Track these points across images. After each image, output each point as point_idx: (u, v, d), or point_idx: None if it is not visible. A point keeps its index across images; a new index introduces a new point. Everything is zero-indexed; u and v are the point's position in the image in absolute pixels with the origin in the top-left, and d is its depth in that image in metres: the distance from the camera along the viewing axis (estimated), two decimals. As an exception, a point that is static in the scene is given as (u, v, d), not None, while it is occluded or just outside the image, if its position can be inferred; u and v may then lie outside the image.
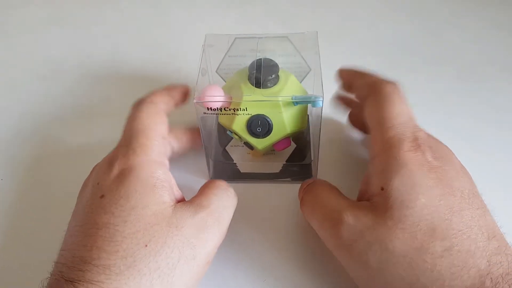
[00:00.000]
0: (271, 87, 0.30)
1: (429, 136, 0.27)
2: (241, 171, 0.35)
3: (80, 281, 0.22)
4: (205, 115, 0.30)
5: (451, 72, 0.45)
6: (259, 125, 0.30)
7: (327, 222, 0.26)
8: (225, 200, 0.28)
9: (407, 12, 0.53)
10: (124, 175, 0.26)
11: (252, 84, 0.30)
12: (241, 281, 0.29)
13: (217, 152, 0.35)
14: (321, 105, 0.29)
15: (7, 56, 0.48)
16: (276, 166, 0.35)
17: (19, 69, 0.46)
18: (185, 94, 0.34)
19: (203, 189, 0.28)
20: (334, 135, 0.38)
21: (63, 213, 0.27)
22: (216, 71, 0.34)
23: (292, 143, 0.34)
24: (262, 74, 0.30)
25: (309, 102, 0.29)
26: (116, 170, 0.26)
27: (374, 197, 0.25)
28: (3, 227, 0.33)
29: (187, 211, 0.26)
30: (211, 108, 0.29)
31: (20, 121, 0.41)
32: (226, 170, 0.35)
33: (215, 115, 0.33)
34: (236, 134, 0.32)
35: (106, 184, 0.26)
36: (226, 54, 0.33)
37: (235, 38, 0.33)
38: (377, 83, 0.30)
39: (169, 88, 0.33)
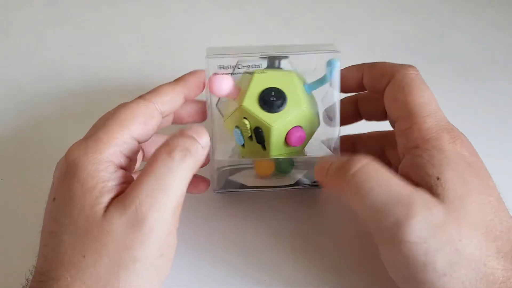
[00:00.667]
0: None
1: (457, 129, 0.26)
2: (249, 185, 0.32)
3: None
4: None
5: (451, 72, 0.45)
6: (273, 96, 0.28)
7: (389, 212, 0.22)
8: (162, 176, 0.23)
9: (407, 12, 0.53)
10: (69, 174, 0.24)
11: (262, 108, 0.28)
12: (241, 281, 0.29)
13: (220, 181, 0.32)
14: (338, 64, 0.28)
15: (7, 56, 0.48)
16: (287, 180, 0.32)
17: (19, 69, 0.46)
18: (197, 85, 0.30)
19: (140, 173, 0.24)
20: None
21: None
22: (217, 106, 0.31)
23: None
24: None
25: (324, 80, 0.28)
26: (65, 166, 0.24)
27: (432, 187, 0.23)
28: (3, 227, 0.33)
29: (116, 210, 0.22)
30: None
31: (20, 121, 0.41)
32: (233, 183, 0.32)
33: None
34: (245, 118, 0.29)
35: (56, 184, 0.24)
36: (232, 73, 0.30)
37: (237, 61, 0.30)
38: (395, 68, 0.28)
39: (176, 83, 0.29)
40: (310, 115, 0.29)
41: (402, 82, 0.27)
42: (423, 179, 0.23)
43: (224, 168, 0.32)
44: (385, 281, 0.27)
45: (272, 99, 0.28)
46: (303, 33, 0.50)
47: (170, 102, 0.28)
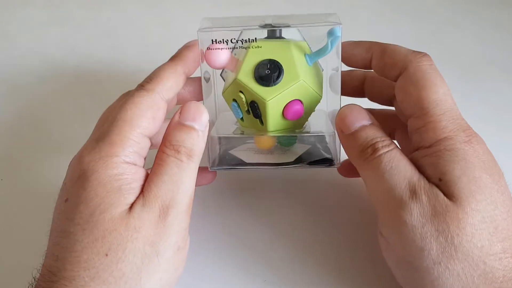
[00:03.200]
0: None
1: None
2: (246, 161, 0.31)
3: None
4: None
5: (451, 73, 0.45)
6: (268, 68, 0.27)
7: (397, 194, 0.23)
8: (176, 176, 0.25)
9: (407, 12, 0.53)
10: (86, 176, 0.24)
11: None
12: (241, 281, 0.29)
13: (217, 156, 0.31)
14: (340, 33, 0.26)
15: (7, 56, 0.48)
16: (288, 157, 0.30)
17: (19, 69, 0.46)
18: (195, 59, 0.29)
19: (152, 172, 0.25)
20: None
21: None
22: (221, 75, 0.31)
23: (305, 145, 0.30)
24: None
25: (325, 50, 0.27)
26: (79, 170, 0.24)
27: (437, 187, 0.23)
28: (3, 227, 0.33)
29: (140, 207, 0.23)
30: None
31: (20, 121, 0.41)
32: (230, 159, 0.31)
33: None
34: (241, 90, 0.28)
35: (70, 186, 0.24)
36: (232, 51, 0.29)
37: (241, 31, 0.28)
38: (409, 58, 0.26)
39: (175, 61, 0.29)
40: (309, 88, 0.28)
41: (415, 76, 0.25)
42: (427, 179, 0.24)
43: (222, 144, 0.31)
44: (385, 280, 0.27)
45: (267, 72, 0.27)
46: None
47: (173, 87, 0.28)
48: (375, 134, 0.25)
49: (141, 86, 0.27)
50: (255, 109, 0.28)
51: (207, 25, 0.29)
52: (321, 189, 0.35)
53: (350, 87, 0.30)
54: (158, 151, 0.26)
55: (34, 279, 0.24)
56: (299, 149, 0.31)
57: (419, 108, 0.25)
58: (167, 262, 0.24)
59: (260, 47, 0.28)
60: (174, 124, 0.26)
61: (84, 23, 0.52)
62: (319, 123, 0.31)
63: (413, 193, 0.23)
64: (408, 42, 0.50)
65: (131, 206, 0.24)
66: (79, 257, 0.22)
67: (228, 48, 0.28)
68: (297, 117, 0.28)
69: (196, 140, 0.26)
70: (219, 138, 0.31)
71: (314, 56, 0.28)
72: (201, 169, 0.31)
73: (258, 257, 0.31)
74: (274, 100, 0.27)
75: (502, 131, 0.39)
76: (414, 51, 0.27)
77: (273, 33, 0.28)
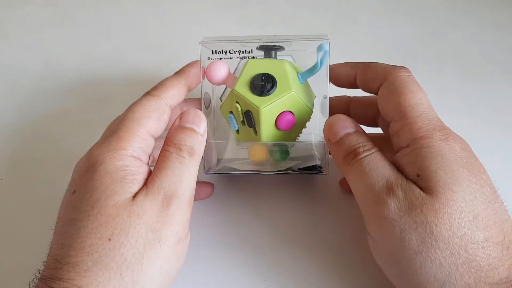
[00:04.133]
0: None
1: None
2: (241, 169, 0.33)
3: (53, 279, 0.22)
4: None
5: (451, 73, 0.45)
6: (263, 80, 0.29)
7: (376, 191, 0.25)
8: (178, 170, 0.26)
9: (407, 12, 0.53)
10: (94, 168, 0.25)
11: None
12: (241, 281, 0.29)
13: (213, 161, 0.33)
14: (327, 48, 0.29)
15: (7, 56, 0.48)
16: (280, 167, 0.33)
17: (19, 69, 0.46)
18: (198, 75, 0.32)
19: (155, 167, 0.27)
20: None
21: (63, 213, 0.27)
22: (220, 98, 0.33)
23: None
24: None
25: (315, 67, 0.29)
26: (88, 163, 0.26)
27: (414, 183, 0.25)
28: (3, 227, 0.33)
29: (144, 196, 0.25)
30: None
31: (20, 121, 0.41)
32: (225, 166, 0.33)
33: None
34: (237, 101, 0.30)
35: (78, 179, 0.26)
36: (234, 72, 0.32)
37: (240, 59, 0.32)
38: (389, 70, 0.29)
39: (179, 75, 0.31)
40: (301, 101, 0.30)
41: (394, 85, 0.28)
42: (406, 177, 0.25)
43: (218, 158, 0.33)
44: (383, 280, 0.27)
45: (261, 83, 0.29)
46: (303, 32, 0.50)
47: (176, 95, 0.30)
48: (357, 140, 0.27)
49: (148, 93, 0.30)
50: (249, 119, 0.30)
51: (208, 40, 0.32)
52: (322, 189, 0.35)
53: (338, 110, 0.33)
54: (161, 151, 0.27)
55: (39, 271, 0.24)
56: (290, 164, 0.33)
57: (397, 113, 0.27)
58: (169, 251, 0.25)
59: (256, 63, 0.30)
60: (175, 127, 0.28)
61: (84, 23, 0.52)
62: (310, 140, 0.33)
63: (390, 189, 0.24)
64: (408, 42, 0.50)
65: (135, 195, 0.25)
66: (84, 242, 0.23)
67: (227, 58, 0.31)
68: (289, 128, 0.30)
69: (196, 140, 0.27)
70: (216, 146, 0.33)
71: (305, 74, 0.31)
72: (200, 184, 0.33)
73: (258, 256, 0.31)
74: (267, 108, 0.29)
75: (502, 131, 0.39)
76: (393, 65, 0.29)
77: (269, 54, 0.31)
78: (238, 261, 0.30)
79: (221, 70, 0.31)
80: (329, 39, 0.30)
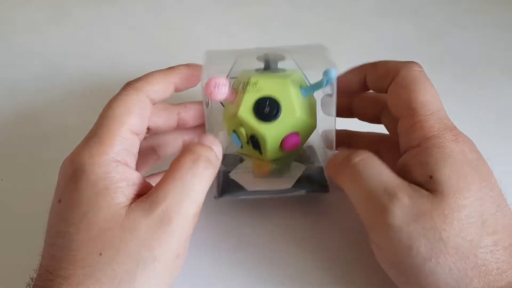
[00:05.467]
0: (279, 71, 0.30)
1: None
2: (248, 190, 0.31)
3: None
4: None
5: (450, 73, 0.45)
6: (267, 105, 0.29)
7: (377, 198, 0.24)
8: (189, 182, 0.24)
9: (407, 12, 0.53)
10: (77, 176, 0.24)
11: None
12: (242, 281, 0.29)
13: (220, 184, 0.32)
14: (335, 76, 0.28)
15: (7, 56, 0.48)
16: (287, 181, 0.32)
17: (19, 69, 0.46)
18: (190, 77, 0.30)
19: (164, 175, 0.25)
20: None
21: (63, 213, 0.27)
22: (221, 102, 0.32)
23: (301, 165, 0.32)
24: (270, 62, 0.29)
25: (320, 85, 0.28)
26: (71, 169, 0.24)
27: (423, 186, 0.24)
28: (3, 227, 0.33)
29: (141, 210, 0.23)
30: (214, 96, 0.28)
31: (20, 121, 0.41)
32: (234, 187, 0.32)
33: None
34: (242, 124, 0.29)
35: (62, 186, 0.24)
36: (228, 75, 0.31)
37: (237, 56, 0.31)
38: (400, 65, 0.28)
39: (169, 72, 0.29)
40: (306, 121, 0.30)
41: (405, 80, 0.27)
42: (416, 178, 0.25)
43: (226, 172, 0.32)
44: (389, 280, 0.27)
45: (266, 110, 0.29)
46: (303, 33, 0.50)
47: (160, 91, 0.28)
48: (349, 151, 0.27)
49: (128, 84, 0.28)
50: (254, 142, 0.30)
51: (212, 56, 0.30)
52: (324, 194, 0.35)
53: (341, 105, 0.31)
54: (175, 159, 0.25)
55: (32, 279, 0.24)
56: (296, 170, 0.32)
57: (407, 109, 0.26)
58: (164, 269, 0.23)
59: (259, 83, 0.29)
60: (194, 143, 0.26)
61: (84, 23, 0.52)
62: (311, 140, 0.33)
63: (393, 195, 0.24)
64: (408, 42, 0.50)
65: (131, 206, 0.23)
66: (75, 255, 0.22)
67: (228, 78, 0.30)
68: (294, 148, 0.30)
69: (213, 157, 0.26)
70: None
71: (309, 89, 0.30)
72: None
73: (258, 256, 0.31)
74: (273, 135, 0.29)
75: (502, 131, 0.39)
76: (404, 61, 0.28)
77: (270, 65, 0.31)
78: (238, 260, 0.30)
79: (221, 89, 0.28)
80: (336, 66, 0.28)
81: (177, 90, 0.30)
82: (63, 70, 0.46)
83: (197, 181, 0.24)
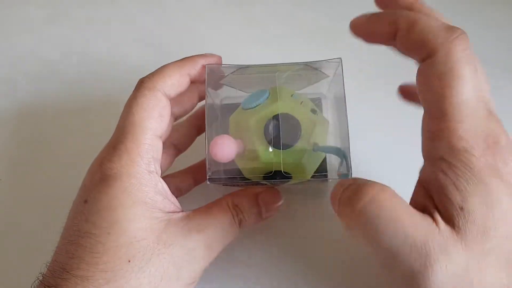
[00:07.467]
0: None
1: (504, 132, 0.22)
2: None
3: None
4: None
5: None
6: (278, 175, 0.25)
7: (403, 263, 0.19)
8: (223, 227, 0.26)
9: (407, 12, 0.53)
10: (107, 182, 0.24)
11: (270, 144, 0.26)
12: (242, 281, 0.29)
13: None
14: (349, 159, 0.25)
15: (6, 56, 0.48)
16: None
17: (19, 69, 0.46)
18: (205, 68, 0.28)
19: (207, 207, 0.26)
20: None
21: (63, 214, 0.27)
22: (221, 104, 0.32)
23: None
24: (282, 137, 0.26)
25: (332, 153, 0.26)
26: (101, 173, 0.24)
27: (453, 218, 0.20)
28: (3, 227, 0.33)
29: (180, 229, 0.24)
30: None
31: (19, 121, 0.41)
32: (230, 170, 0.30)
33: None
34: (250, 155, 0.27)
35: (90, 188, 0.24)
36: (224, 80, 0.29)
37: (238, 68, 0.28)
38: (442, 38, 0.22)
39: (182, 63, 0.27)
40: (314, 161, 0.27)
41: (442, 67, 0.21)
42: (445, 206, 0.20)
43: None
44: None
45: (276, 179, 0.26)
46: (303, 32, 0.50)
47: (175, 85, 0.27)
48: (354, 186, 0.21)
49: (142, 83, 0.26)
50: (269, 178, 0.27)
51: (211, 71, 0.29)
52: (324, 192, 0.35)
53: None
54: (220, 199, 0.27)
55: (42, 274, 0.23)
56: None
57: (437, 108, 0.21)
58: (186, 283, 0.24)
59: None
60: (252, 194, 0.27)
61: (84, 22, 0.52)
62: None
63: (427, 257, 0.19)
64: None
65: (170, 221, 0.24)
66: (99, 258, 0.22)
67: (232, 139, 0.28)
68: None
69: (254, 220, 0.27)
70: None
71: (323, 149, 0.27)
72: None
73: (259, 257, 0.31)
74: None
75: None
76: (448, 28, 0.22)
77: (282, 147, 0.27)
78: (238, 261, 0.30)
79: (227, 150, 0.26)
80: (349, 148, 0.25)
81: (192, 81, 0.28)
82: (63, 70, 0.46)
83: (227, 232, 0.26)
